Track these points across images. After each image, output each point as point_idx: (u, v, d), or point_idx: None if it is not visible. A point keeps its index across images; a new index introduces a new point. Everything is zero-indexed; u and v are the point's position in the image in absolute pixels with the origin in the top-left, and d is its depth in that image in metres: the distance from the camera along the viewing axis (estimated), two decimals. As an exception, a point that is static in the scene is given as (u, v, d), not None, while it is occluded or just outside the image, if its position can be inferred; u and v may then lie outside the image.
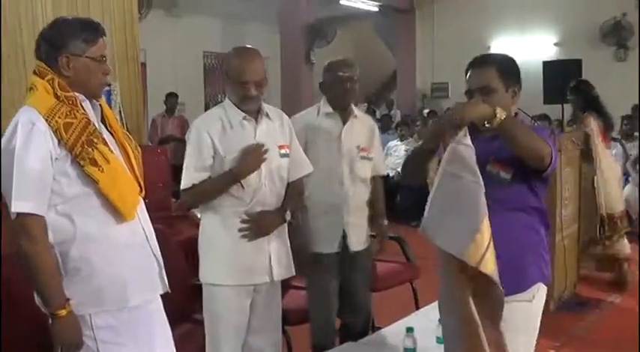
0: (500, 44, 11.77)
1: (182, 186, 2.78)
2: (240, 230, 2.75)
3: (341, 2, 11.41)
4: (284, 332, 3.24)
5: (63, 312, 2.03)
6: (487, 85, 2.35)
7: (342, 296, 3.40)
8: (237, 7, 11.69)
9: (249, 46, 2.87)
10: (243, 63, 2.72)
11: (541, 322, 2.39)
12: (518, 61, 2.48)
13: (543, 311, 2.40)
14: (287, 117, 2.98)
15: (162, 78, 10.85)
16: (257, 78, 2.72)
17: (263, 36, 12.38)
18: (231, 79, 2.76)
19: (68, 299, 2.06)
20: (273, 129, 2.85)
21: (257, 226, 2.76)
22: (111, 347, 2.13)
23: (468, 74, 2.42)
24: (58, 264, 2.09)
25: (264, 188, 2.78)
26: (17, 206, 1.98)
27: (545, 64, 8.28)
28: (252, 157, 2.71)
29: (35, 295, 2.11)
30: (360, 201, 3.35)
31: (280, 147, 2.85)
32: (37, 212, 2.01)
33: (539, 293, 2.36)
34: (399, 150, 9.10)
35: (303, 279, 3.45)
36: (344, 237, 3.28)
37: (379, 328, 3.62)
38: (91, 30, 2.14)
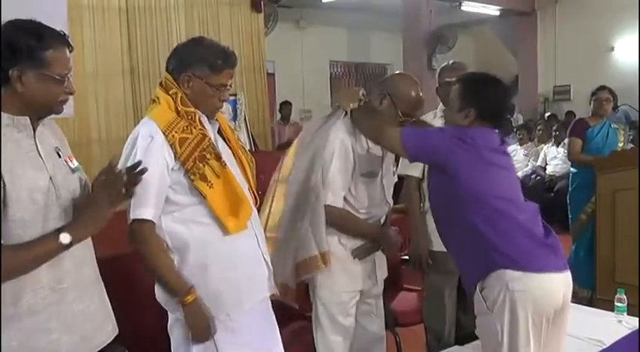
0: (625, 44, 11.38)
1: (333, 204, 2.72)
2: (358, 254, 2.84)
3: (462, 8, 11.54)
4: (395, 333, 3.33)
5: (190, 298, 2.12)
6: (450, 99, 2.53)
7: (459, 295, 3.38)
8: (362, 18, 12.15)
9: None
10: (417, 98, 2.73)
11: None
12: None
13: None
14: None
15: (290, 87, 11.55)
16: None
17: (386, 44, 12.87)
18: (397, 105, 2.69)
19: (192, 286, 2.13)
20: None
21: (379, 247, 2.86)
22: (229, 347, 2.21)
23: None
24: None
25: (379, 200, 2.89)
26: (136, 213, 2.07)
27: (675, 64, 7.97)
28: None
29: (156, 291, 2.24)
30: None
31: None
32: (150, 218, 2.10)
33: (515, 280, 2.25)
34: (517, 154, 9.08)
35: (414, 281, 3.58)
36: None
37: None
38: (220, 59, 2.19)
